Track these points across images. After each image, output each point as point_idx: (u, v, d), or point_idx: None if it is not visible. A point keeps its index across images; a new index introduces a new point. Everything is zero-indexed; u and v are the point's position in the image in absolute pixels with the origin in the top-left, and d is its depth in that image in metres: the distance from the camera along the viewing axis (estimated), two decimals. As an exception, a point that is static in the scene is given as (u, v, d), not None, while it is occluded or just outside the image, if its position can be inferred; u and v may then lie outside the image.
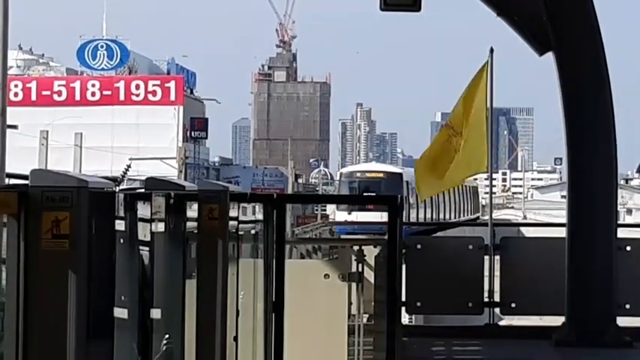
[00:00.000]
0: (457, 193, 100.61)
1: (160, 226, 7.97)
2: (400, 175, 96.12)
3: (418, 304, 18.13)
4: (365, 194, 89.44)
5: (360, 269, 13.13)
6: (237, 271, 10.25)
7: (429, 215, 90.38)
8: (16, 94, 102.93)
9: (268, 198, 13.08)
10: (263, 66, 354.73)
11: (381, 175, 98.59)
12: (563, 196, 18.27)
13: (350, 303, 12.83)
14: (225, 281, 9.51)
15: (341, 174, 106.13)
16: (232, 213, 9.98)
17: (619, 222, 20.28)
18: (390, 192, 79.68)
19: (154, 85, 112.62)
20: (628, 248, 18.68)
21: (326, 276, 12.80)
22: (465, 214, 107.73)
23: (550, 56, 18.62)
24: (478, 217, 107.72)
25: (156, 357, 7.95)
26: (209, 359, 9.08)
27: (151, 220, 7.73)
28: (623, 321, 18.05)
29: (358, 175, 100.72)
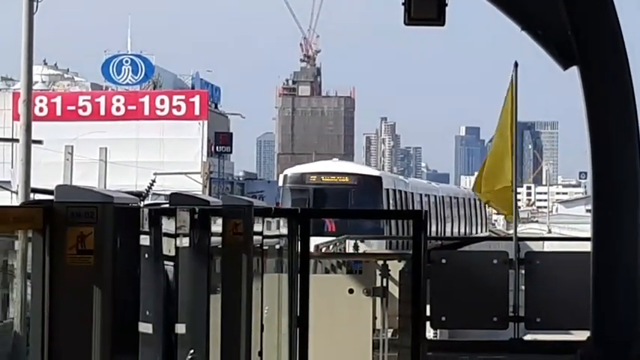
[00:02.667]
0: (464, 207, 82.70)
1: (185, 241, 7.97)
2: (378, 179, 67.81)
3: (443, 318, 18.09)
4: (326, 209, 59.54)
5: (384, 284, 13.13)
6: (261, 285, 10.26)
7: (433, 228, 67.90)
8: (41, 110, 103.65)
9: (292, 213, 13.10)
10: (287, 80, 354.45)
11: (346, 179, 66.26)
12: (588, 210, 18.24)
13: (374, 318, 12.83)
14: (249, 296, 9.52)
15: (285, 177, 70.48)
16: (257, 228, 10.00)
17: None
18: (363, 204, 60.87)
19: (178, 100, 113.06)
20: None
21: (350, 291, 12.79)
22: (475, 228, 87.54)
23: (575, 70, 18.60)
24: (489, 232, 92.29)
25: None
26: None
27: (175, 235, 7.74)
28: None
29: (312, 179, 67.11)
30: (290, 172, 69.87)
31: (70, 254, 5.51)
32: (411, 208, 68.33)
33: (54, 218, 5.57)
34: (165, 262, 7.59)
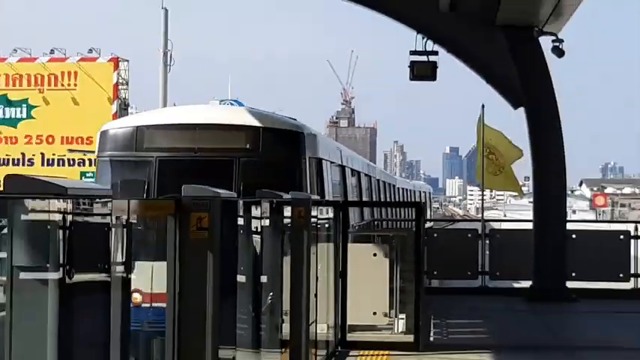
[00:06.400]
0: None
1: (266, 222, 8.00)
2: (298, 135, 12.78)
3: (435, 272, 18.07)
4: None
5: (397, 250, 13.11)
6: (316, 251, 10.25)
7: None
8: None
9: (336, 203, 13.11)
10: (332, 117, 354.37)
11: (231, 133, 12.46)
12: (530, 202, 18.24)
13: (391, 272, 12.80)
14: (309, 258, 9.55)
15: (103, 135, 12.79)
16: (313, 213, 10.02)
17: (567, 219, 20.11)
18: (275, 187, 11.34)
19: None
20: (573, 236, 18.56)
21: (374, 254, 12.77)
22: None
23: (522, 110, 18.57)
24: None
25: (264, 307, 7.99)
26: (298, 308, 9.11)
27: (260, 218, 7.76)
28: (570, 284, 17.94)
29: (157, 139, 12.32)
30: (112, 126, 13.96)
31: (192, 230, 5.54)
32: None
33: (182, 208, 5.61)
34: (254, 236, 7.62)
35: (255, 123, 12.21)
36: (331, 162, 14.73)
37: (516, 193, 28.67)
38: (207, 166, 11.66)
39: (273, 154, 12.03)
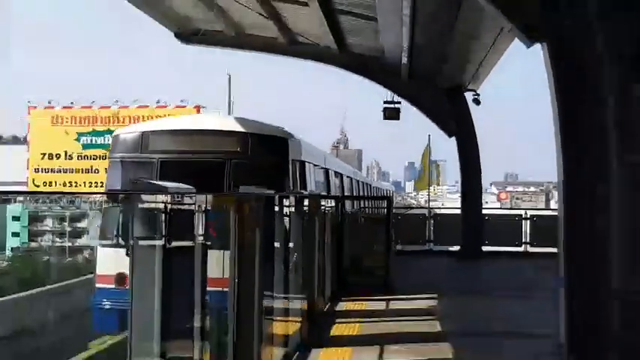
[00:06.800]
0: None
1: (293, 209, 7.78)
2: (283, 142, 10.11)
3: (399, 241, 17.99)
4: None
5: (376, 228, 12.91)
6: (325, 228, 9.81)
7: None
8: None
9: (337, 197, 13.02)
10: (334, 142, 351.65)
11: (227, 142, 9.77)
12: (459, 196, 18.22)
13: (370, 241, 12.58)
14: (321, 232, 9.36)
15: (115, 139, 10.35)
16: (322, 203, 9.85)
17: (482, 207, 20.11)
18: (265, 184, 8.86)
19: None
20: (487, 218, 18.64)
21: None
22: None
23: (454, 138, 18.60)
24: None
25: (291, 263, 7.71)
26: (313, 262, 8.86)
27: (289, 206, 7.55)
28: (485, 248, 17.91)
29: (162, 142, 9.88)
30: (124, 132, 10.81)
31: (246, 218, 5.31)
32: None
33: (239, 200, 5.43)
34: (284, 218, 7.37)
35: (245, 129, 9.81)
36: (315, 164, 12.01)
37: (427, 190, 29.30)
38: (203, 166, 9.41)
39: (260, 156, 9.56)
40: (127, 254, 6.68)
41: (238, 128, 9.45)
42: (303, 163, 10.26)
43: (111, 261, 8.48)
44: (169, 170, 9.05)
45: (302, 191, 9.10)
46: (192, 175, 8.09)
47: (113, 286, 8.30)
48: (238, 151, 9.29)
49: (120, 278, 8.26)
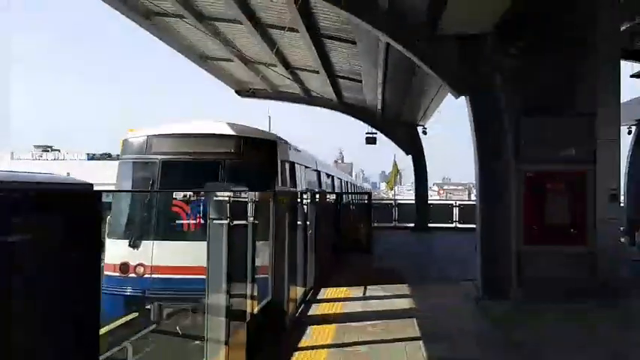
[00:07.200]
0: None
1: (309, 200, 7.30)
2: (272, 144, 6.74)
3: (376, 221, 17.61)
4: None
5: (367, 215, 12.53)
6: (306, 213, 7.27)
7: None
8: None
9: (337, 193, 12.44)
10: (334, 159, 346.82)
11: (218, 142, 6.21)
12: (414, 191, 18.05)
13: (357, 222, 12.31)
14: (325, 216, 8.89)
15: (124, 142, 6.48)
16: (304, 201, 7.73)
17: (428, 199, 19.96)
18: (254, 182, 6.42)
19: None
20: (431, 205, 18.52)
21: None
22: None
23: (410, 156, 18.47)
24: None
25: (308, 234, 7.24)
26: (322, 235, 8.33)
27: (307, 199, 7.12)
28: (430, 225, 17.81)
29: (166, 143, 6.40)
30: (134, 135, 7.09)
31: (279, 203, 4.97)
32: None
33: (275, 195, 5.10)
34: (304, 205, 6.89)
35: (238, 133, 7.39)
36: (305, 166, 9.28)
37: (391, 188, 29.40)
38: (200, 166, 7.14)
39: (252, 157, 7.14)
40: (130, 245, 6.00)
41: (232, 132, 7.39)
42: (292, 164, 8.13)
43: (116, 251, 6.67)
44: (170, 169, 7.22)
45: (291, 188, 7.45)
46: (190, 174, 6.66)
47: (118, 274, 6.57)
48: (232, 153, 7.19)
49: (124, 267, 6.63)
